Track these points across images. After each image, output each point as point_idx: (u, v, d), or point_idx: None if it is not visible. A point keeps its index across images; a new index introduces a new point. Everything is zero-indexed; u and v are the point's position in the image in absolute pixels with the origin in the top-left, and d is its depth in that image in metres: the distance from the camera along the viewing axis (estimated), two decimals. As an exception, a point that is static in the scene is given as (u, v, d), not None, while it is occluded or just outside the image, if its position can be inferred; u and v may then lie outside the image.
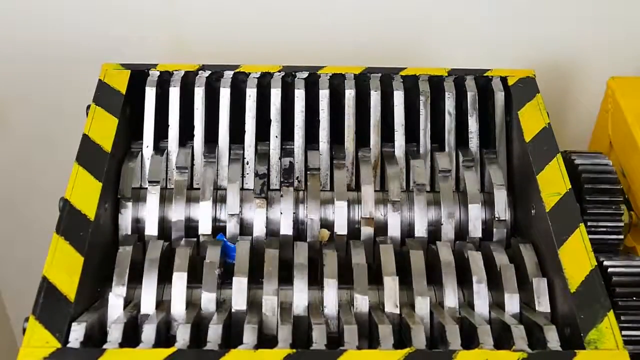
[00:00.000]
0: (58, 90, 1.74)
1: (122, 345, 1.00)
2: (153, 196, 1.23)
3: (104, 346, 0.99)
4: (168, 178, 1.30)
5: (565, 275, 1.06)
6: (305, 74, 1.33)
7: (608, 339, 0.99)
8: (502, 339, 1.05)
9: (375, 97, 1.32)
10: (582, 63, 1.75)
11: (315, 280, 1.13)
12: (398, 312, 1.08)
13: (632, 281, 1.16)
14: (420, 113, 1.33)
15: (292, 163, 1.28)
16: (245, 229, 1.25)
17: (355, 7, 1.66)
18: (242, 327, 1.03)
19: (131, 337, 1.04)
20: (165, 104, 1.31)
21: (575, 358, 0.97)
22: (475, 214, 1.23)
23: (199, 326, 1.06)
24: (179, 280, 1.09)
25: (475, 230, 1.23)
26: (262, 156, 1.29)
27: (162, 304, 1.10)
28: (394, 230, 1.23)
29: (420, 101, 1.33)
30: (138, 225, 1.24)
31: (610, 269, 1.16)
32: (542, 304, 1.09)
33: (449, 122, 1.33)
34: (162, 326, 1.05)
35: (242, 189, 1.28)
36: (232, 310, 1.07)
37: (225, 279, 1.12)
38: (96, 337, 1.02)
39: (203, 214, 1.23)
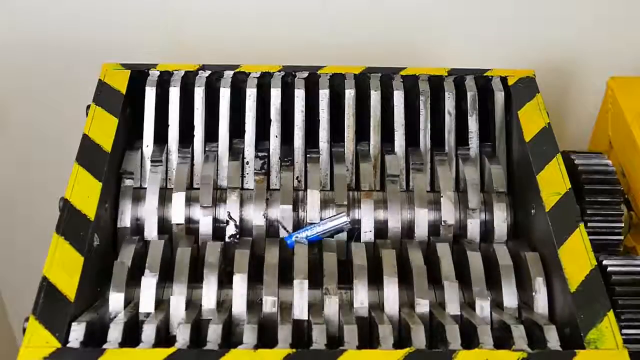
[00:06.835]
0: (58, 90, 1.74)
1: (122, 345, 1.00)
2: (155, 175, 1.23)
3: (104, 346, 0.99)
4: (168, 178, 1.30)
5: (565, 275, 1.06)
6: (305, 74, 1.33)
7: (608, 338, 0.99)
8: (502, 339, 1.05)
9: (375, 97, 1.32)
10: (582, 63, 1.75)
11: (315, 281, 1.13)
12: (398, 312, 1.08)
13: (632, 281, 1.16)
14: (420, 113, 1.33)
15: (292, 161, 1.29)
16: (245, 229, 1.25)
17: (355, 7, 1.66)
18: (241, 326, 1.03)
19: (132, 337, 1.04)
20: (165, 104, 1.31)
21: (575, 358, 0.97)
22: (473, 189, 1.23)
23: (199, 326, 1.06)
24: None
25: (474, 200, 1.22)
26: (262, 156, 1.30)
27: (162, 303, 1.10)
28: (394, 221, 1.23)
29: (420, 101, 1.33)
30: (138, 224, 1.24)
31: (611, 272, 1.16)
32: (542, 304, 1.09)
33: (449, 122, 1.33)
34: (162, 326, 1.05)
35: (242, 188, 1.28)
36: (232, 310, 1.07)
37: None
38: (96, 337, 1.02)
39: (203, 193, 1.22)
